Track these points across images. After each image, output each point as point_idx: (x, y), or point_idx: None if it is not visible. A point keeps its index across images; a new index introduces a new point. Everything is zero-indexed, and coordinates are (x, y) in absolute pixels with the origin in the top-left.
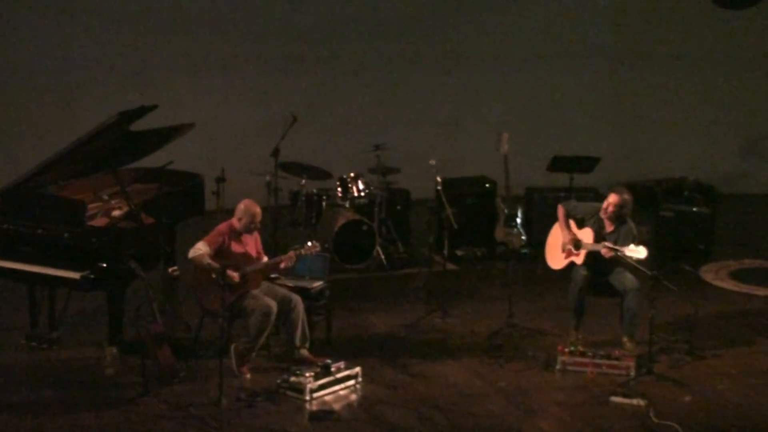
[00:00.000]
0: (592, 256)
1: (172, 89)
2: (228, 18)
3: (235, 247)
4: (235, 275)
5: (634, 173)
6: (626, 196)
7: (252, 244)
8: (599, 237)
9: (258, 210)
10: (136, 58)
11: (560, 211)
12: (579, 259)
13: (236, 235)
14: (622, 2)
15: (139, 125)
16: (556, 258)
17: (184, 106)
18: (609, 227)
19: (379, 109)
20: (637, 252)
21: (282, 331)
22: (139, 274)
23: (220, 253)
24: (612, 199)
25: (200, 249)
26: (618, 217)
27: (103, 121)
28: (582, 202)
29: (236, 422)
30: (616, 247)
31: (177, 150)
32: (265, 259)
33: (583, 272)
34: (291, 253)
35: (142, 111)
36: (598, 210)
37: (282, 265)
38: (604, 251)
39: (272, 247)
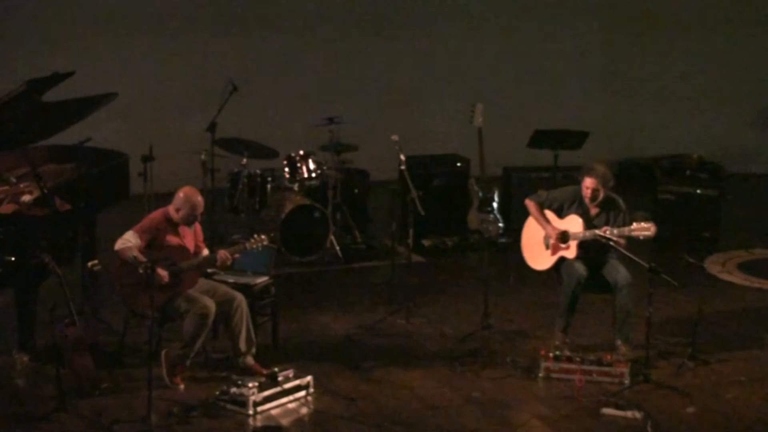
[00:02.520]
0: (585, 248)
1: (90, 53)
2: None
3: (171, 239)
4: (164, 274)
5: (628, 150)
6: (602, 172)
7: (190, 236)
8: (589, 223)
9: (200, 200)
10: (49, 17)
11: (531, 206)
12: (570, 253)
13: (173, 225)
14: None
15: (52, 95)
16: (539, 257)
17: (105, 73)
18: (594, 210)
19: (332, 77)
20: (646, 229)
21: (222, 335)
22: (53, 270)
23: (152, 245)
24: (588, 182)
25: (129, 240)
26: (602, 198)
27: (10, 91)
28: (553, 190)
29: None
30: (620, 230)
31: (97, 124)
32: (206, 252)
33: (581, 267)
34: (222, 253)
35: (55, 79)
36: (578, 192)
37: (219, 263)
38: (603, 234)
39: (209, 238)
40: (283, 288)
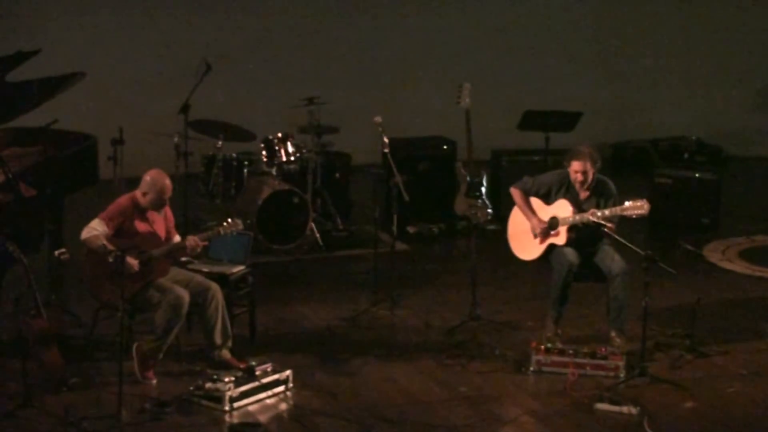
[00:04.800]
0: (576, 233)
1: (57, 31)
2: None
3: (140, 226)
4: (134, 263)
5: (623, 132)
6: (588, 152)
7: (160, 222)
8: (578, 208)
9: (167, 183)
10: None
11: (516, 194)
12: (561, 240)
13: (141, 210)
14: None
15: (17, 75)
16: (527, 246)
17: (73, 52)
18: (584, 194)
19: (312, 56)
20: (639, 207)
21: (196, 327)
22: (18, 258)
23: (120, 232)
24: (577, 166)
25: (95, 228)
26: (592, 182)
27: None
28: (538, 175)
29: None
30: (611, 210)
31: (64, 106)
32: (178, 239)
33: (572, 254)
34: (191, 239)
35: (20, 57)
36: (565, 176)
37: (188, 250)
38: (592, 217)
39: (182, 225)
40: (261, 277)
